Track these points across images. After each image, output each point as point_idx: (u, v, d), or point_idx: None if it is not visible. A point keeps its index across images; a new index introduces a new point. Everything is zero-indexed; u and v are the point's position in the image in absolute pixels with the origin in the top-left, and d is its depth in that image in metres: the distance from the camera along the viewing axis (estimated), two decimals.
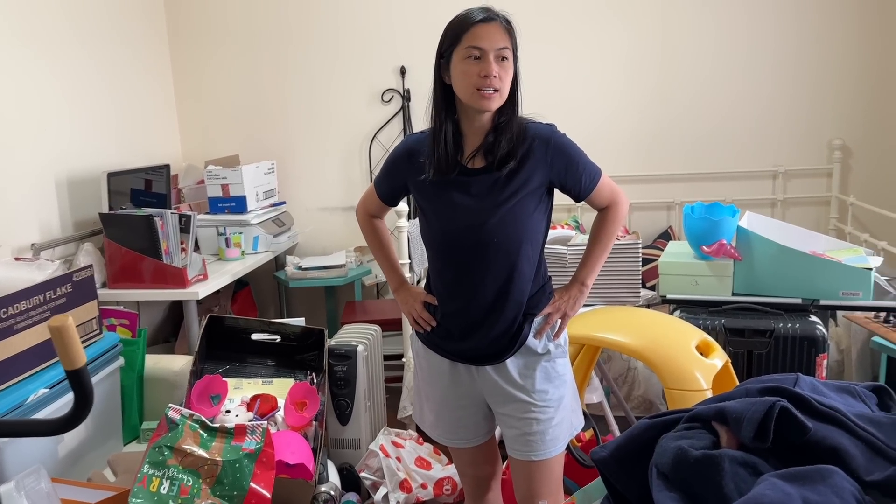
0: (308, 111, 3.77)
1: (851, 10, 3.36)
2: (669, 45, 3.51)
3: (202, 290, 2.80)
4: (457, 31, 1.58)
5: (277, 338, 2.32)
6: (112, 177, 3.05)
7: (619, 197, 1.72)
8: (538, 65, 3.51)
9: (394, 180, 1.76)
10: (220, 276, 2.99)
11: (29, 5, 2.78)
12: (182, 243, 2.91)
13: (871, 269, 2.26)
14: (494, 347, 1.67)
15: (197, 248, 3.37)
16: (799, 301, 2.32)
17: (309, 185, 3.82)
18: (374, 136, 3.72)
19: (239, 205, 3.33)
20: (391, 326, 3.13)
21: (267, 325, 2.33)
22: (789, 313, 2.28)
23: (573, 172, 1.63)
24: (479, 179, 1.61)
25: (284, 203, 3.70)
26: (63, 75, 2.96)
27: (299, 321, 2.61)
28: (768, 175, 3.55)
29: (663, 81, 3.54)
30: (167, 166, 3.34)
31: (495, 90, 1.54)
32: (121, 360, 2.40)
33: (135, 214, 2.81)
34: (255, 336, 2.33)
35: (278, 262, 3.65)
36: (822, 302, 2.31)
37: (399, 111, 3.69)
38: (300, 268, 3.43)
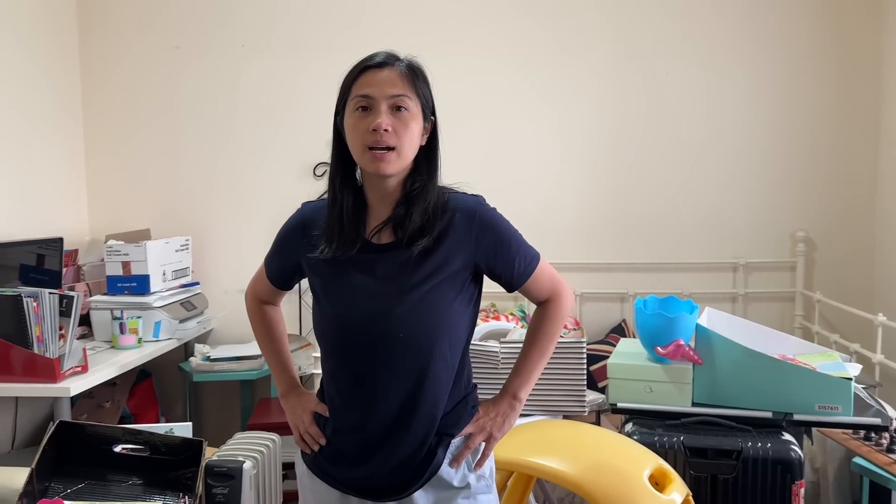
0: (233, 184, 3.44)
1: (815, 97, 3.21)
2: (625, 126, 3.30)
3: (76, 386, 2.38)
4: (348, 80, 1.30)
5: (145, 450, 1.90)
6: None
7: (561, 288, 1.41)
8: (479, 140, 3.27)
9: (285, 258, 1.44)
10: (106, 368, 2.57)
11: None
12: (61, 328, 2.49)
13: (850, 379, 1.95)
14: (397, 476, 1.31)
15: (91, 334, 2.98)
16: (769, 415, 1.98)
17: (230, 265, 3.44)
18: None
19: (141, 285, 2.94)
20: None
21: (133, 435, 1.91)
22: (759, 429, 1.94)
23: (504, 255, 1.33)
24: (385, 258, 1.29)
25: (198, 284, 3.31)
26: None
27: (185, 427, 2.19)
28: (728, 267, 3.29)
29: (618, 164, 3.31)
30: (60, 239, 2.94)
31: (389, 148, 1.24)
32: None
33: (0, 294, 2.40)
34: (118, 448, 1.90)
35: (188, 351, 3.23)
36: (796, 416, 1.98)
37: None
38: (208, 358, 3.02)
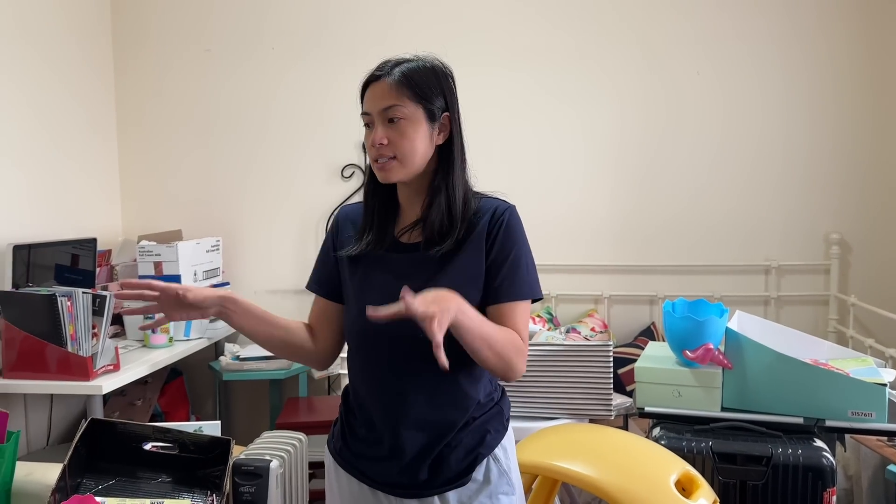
0: (263, 185, 3.48)
1: (848, 95, 3.14)
2: (655, 127, 3.26)
3: (108, 384, 2.42)
4: (360, 97, 1.34)
5: (174, 448, 1.92)
6: (32, 249, 2.73)
7: (524, 340, 1.29)
8: (507, 145, 3.26)
9: (325, 258, 1.43)
10: (137, 367, 2.61)
11: None
12: (94, 327, 2.54)
13: (885, 385, 1.91)
14: (420, 474, 1.32)
15: (123, 333, 3.03)
16: (800, 420, 1.95)
17: (259, 265, 3.48)
18: (332, 213, 3.42)
19: None
20: None
21: (163, 433, 1.93)
22: (789, 435, 1.91)
23: (503, 259, 1.29)
24: (409, 257, 1.31)
25: (228, 284, 3.34)
26: None
27: (214, 426, 2.21)
28: (760, 270, 3.23)
29: (646, 165, 3.27)
30: (94, 240, 3.00)
31: (391, 157, 1.27)
32: None
33: (36, 293, 2.45)
34: (148, 445, 1.93)
35: (218, 350, 3.27)
36: (828, 422, 1.94)
37: (361, 187, 3.40)
38: (238, 357, 3.05)
